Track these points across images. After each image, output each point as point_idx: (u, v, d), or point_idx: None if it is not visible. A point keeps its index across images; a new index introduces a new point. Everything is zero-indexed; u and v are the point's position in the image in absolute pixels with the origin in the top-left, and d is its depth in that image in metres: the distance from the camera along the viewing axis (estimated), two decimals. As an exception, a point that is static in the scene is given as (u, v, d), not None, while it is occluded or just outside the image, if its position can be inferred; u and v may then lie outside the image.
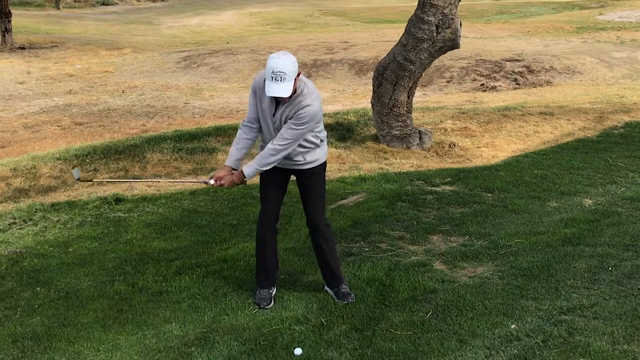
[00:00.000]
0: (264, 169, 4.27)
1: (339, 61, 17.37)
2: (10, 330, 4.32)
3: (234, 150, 4.40)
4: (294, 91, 4.10)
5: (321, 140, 4.37)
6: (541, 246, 5.33)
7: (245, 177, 4.32)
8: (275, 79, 3.99)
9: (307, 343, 4.00)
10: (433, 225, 5.95)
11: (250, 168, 4.29)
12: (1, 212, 6.76)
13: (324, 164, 4.48)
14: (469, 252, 5.28)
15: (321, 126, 4.35)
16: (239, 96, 15.02)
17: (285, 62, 3.99)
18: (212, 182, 4.37)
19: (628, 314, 4.09)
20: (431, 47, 8.04)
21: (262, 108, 4.26)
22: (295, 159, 4.34)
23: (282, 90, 4.01)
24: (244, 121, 4.38)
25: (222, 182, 4.35)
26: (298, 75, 4.09)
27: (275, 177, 4.44)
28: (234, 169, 4.39)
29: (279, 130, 4.22)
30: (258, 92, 4.25)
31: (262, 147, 4.38)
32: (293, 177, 4.53)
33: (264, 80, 4.11)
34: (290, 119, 4.15)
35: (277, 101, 4.19)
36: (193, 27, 28.90)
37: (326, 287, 4.62)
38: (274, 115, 4.23)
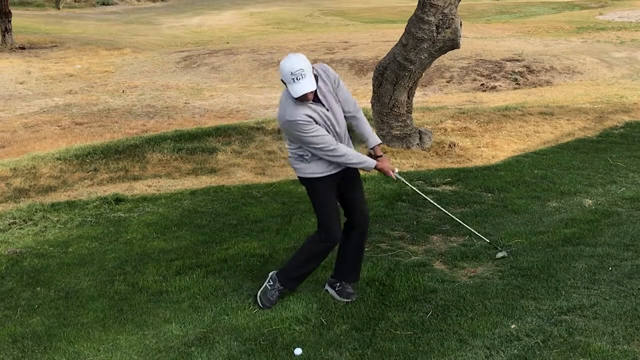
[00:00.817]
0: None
1: (339, 61, 17.37)
2: (10, 330, 4.32)
3: (356, 152, 4.34)
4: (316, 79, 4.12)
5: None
6: (541, 246, 5.33)
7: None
8: (297, 78, 3.98)
9: (307, 343, 4.00)
10: (433, 225, 5.95)
11: (377, 137, 4.48)
12: (1, 212, 6.76)
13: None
14: (469, 252, 5.28)
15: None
16: (239, 96, 15.02)
17: (299, 61, 4.01)
18: (397, 171, 4.53)
19: (628, 314, 4.09)
20: (431, 47, 8.04)
21: (321, 117, 4.17)
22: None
23: (308, 85, 4.01)
24: (335, 144, 4.20)
25: (385, 168, 4.44)
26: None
27: (333, 189, 4.39)
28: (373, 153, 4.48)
29: (340, 112, 4.27)
30: (309, 115, 4.12)
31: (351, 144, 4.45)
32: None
33: (293, 102, 4.09)
34: (337, 89, 4.24)
35: (316, 99, 4.15)
36: (193, 27, 28.89)
37: (327, 287, 4.62)
38: (327, 109, 4.20)
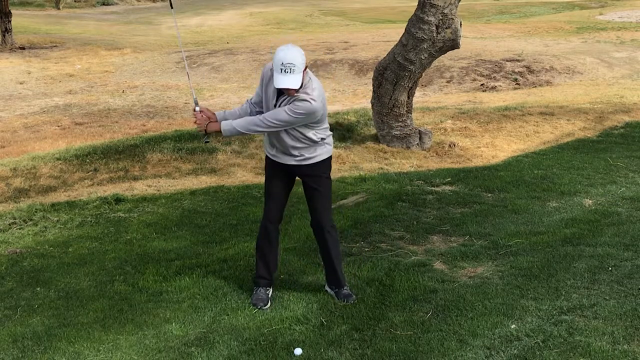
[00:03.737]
0: (241, 131, 4.32)
1: (339, 61, 17.37)
2: (10, 330, 4.32)
3: (228, 110, 4.54)
4: (301, 85, 4.10)
5: (322, 139, 4.35)
6: (541, 246, 5.33)
7: (220, 130, 4.37)
8: (285, 70, 3.98)
9: (307, 343, 4.00)
10: (433, 225, 5.95)
11: (228, 125, 4.35)
12: (1, 212, 6.76)
13: (327, 165, 4.44)
14: (469, 252, 5.27)
15: (324, 125, 4.35)
16: (239, 96, 15.01)
17: (294, 54, 4.01)
18: (197, 109, 4.48)
19: (628, 314, 4.09)
20: (431, 47, 8.04)
21: (266, 97, 4.30)
22: (294, 153, 4.33)
23: (291, 81, 4.01)
24: (250, 99, 4.49)
25: (198, 119, 4.43)
26: (305, 68, 4.10)
27: (279, 175, 4.46)
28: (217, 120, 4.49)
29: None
30: (265, 80, 4.29)
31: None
32: (297, 179, 4.54)
33: (271, 71, 4.12)
34: (288, 104, 4.18)
35: (280, 92, 4.19)
36: (193, 27, 28.89)
37: (326, 287, 4.62)
38: (275, 105, 4.24)
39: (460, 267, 5.02)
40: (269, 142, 4.44)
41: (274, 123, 4.19)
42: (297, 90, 4.10)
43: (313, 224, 4.51)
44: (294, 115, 4.14)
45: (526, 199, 6.61)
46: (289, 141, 4.29)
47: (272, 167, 4.49)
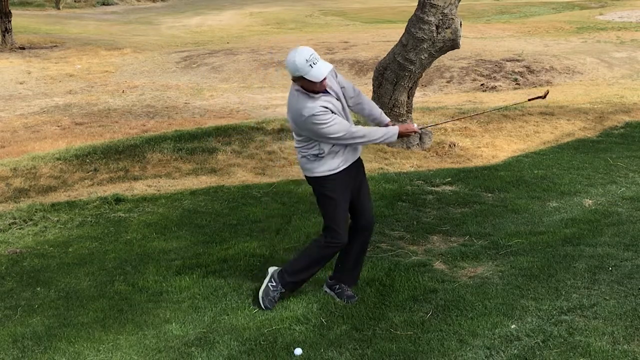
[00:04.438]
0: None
1: (339, 61, 17.37)
2: (10, 330, 4.32)
3: (375, 129, 4.33)
4: None
5: None
6: (541, 246, 5.33)
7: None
8: (314, 62, 3.97)
9: (307, 343, 4.00)
10: (433, 225, 5.95)
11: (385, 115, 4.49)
12: (1, 212, 6.76)
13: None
14: (469, 252, 5.27)
15: None
16: (239, 96, 15.01)
17: (306, 49, 4.04)
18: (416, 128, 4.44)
19: (628, 314, 4.09)
20: (431, 47, 8.04)
21: (336, 108, 4.18)
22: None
23: (325, 66, 4.01)
24: (351, 128, 4.18)
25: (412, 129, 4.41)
26: None
27: (349, 181, 4.36)
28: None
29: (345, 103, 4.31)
30: (325, 106, 4.10)
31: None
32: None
33: (306, 96, 4.11)
34: (337, 79, 4.27)
35: (325, 91, 4.15)
36: (193, 27, 28.89)
37: (325, 288, 4.61)
38: (337, 99, 4.22)
39: (460, 267, 5.02)
40: (340, 155, 4.28)
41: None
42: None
43: (363, 223, 4.47)
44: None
45: (526, 199, 6.61)
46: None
47: (342, 182, 4.30)
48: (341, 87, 4.32)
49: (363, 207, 4.45)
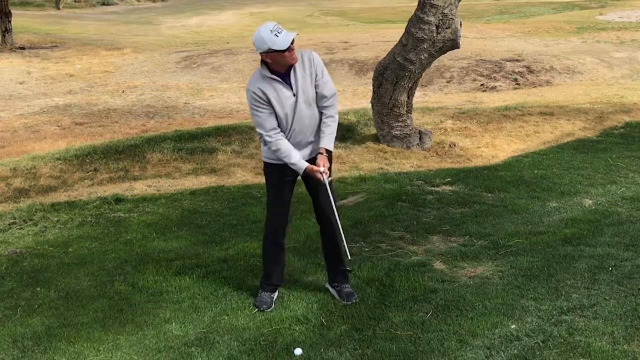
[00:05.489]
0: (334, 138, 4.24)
1: (339, 61, 17.37)
2: (10, 330, 4.32)
3: (295, 154, 4.13)
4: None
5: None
6: (541, 246, 5.33)
7: (331, 151, 4.25)
8: (278, 32, 3.91)
9: (307, 343, 4.00)
10: (433, 225, 5.95)
11: (330, 142, 4.22)
12: (1, 212, 6.76)
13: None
14: (469, 252, 5.27)
15: None
16: (239, 96, 15.02)
17: (269, 22, 3.97)
18: (327, 177, 4.21)
19: (628, 314, 4.09)
20: (431, 47, 8.04)
21: (280, 100, 4.08)
22: (312, 139, 4.23)
23: (289, 35, 3.93)
24: (270, 133, 4.10)
25: (326, 167, 4.20)
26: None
27: (290, 179, 4.35)
28: (314, 158, 4.24)
29: (308, 104, 4.11)
30: (264, 91, 4.05)
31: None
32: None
33: (259, 74, 4.06)
34: (316, 76, 4.10)
35: (287, 75, 4.06)
36: (193, 27, 28.90)
37: (328, 285, 4.60)
38: (294, 94, 4.08)
39: (460, 267, 5.02)
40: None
41: (335, 99, 4.18)
42: (288, 72, 4.02)
43: (321, 222, 4.46)
44: (327, 75, 4.13)
45: (526, 199, 6.61)
46: (312, 122, 4.18)
47: (277, 175, 4.27)
48: (315, 83, 4.13)
49: (317, 207, 4.39)
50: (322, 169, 4.14)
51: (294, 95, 4.11)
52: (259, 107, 4.08)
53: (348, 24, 28.76)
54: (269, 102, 4.08)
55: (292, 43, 3.97)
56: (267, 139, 4.12)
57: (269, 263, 4.54)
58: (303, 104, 4.13)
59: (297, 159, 4.13)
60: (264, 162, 4.36)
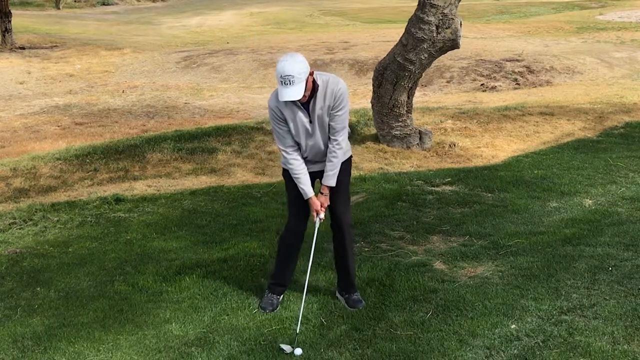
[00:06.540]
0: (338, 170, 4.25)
1: (339, 61, 17.37)
2: (10, 330, 4.32)
3: (305, 180, 4.24)
4: (315, 86, 4.06)
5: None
6: (541, 246, 5.33)
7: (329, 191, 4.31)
8: (285, 83, 3.92)
9: (307, 343, 4.00)
10: (433, 225, 5.95)
11: (332, 179, 4.25)
12: (1, 212, 6.76)
13: (348, 161, 4.39)
14: (469, 252, 5.27)
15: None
16: (239, 96, 15.02)
17: (292, 65, 3.90)
18: (322, 216, 4.30)
19: (628, 314, 4.09)
20: (431, 47, 8.04)
21: (295, 122, 4.15)
22: (323, 158, 4.28)
23: (293, 93, 3.93)
24: (288, 150, 4.21)
25: (323, 207, 4.31)
26: (311, 74, 4.03)
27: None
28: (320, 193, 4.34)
29: (323, 130, 4.18)
30: (282, 111, 4.12)
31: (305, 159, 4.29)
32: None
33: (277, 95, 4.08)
34: (331, 108, 4.12)
35: (307, 102, 4.10)
36: (193, 27, 28.90)
37: (337, 294, 4.59)
38: (310, 121, 4.15)
39: (460, 267, 5.02)
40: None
41: (344, 133, 4.19)
42: (305, 96, 4.03)
43: (334, 228, 4.45)
44: (345, 108, 4.14)
45: (526, 199, 6.61)
46: (326, 145, 4.24)
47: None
48: (330, 112, 4.14)
49: (332, 212, 4.42)
50: (321, 213, 4.28)
51: (310, 122, 4.17)
52: (277, 123, 4.20)
53: (348, 24, 28.76)
54: (285, 121, 4.17)
55: (311, 74, 4.02)
56: (284, 154, 4.28)
57: (281, 264, 4.53)
58: (318, 130, 4.21)
59: (305, 184, 4.26)
60: (283, 168, 4.43)
